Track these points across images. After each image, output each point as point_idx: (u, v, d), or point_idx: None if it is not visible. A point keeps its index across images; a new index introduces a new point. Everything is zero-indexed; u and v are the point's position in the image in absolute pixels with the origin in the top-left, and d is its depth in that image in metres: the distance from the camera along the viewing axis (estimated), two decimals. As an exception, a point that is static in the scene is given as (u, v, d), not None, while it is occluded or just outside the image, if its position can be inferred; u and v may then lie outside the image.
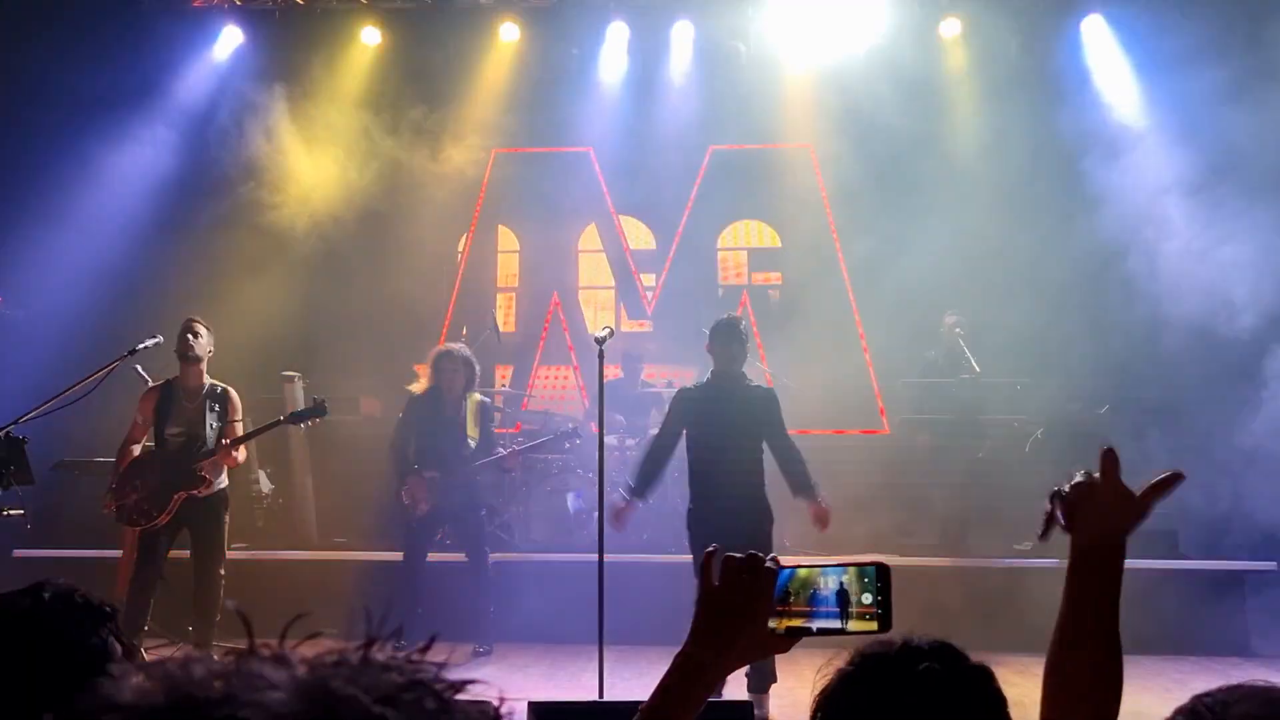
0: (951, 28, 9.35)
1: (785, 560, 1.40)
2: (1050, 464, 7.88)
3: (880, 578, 1.38)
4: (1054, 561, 7.47)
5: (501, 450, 6.98)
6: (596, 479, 5.36)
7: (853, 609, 1.37)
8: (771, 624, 1.38)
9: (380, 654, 0.59)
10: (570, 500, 7.97)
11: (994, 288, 8.73)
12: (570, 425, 7.31)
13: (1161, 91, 8.65)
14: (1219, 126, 7.93)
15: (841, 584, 1.39)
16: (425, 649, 0.60)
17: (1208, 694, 1.11)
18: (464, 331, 8.82)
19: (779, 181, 9.79)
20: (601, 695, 5.03)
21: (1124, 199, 8.43)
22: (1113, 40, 9.10)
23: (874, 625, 1.36)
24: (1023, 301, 8.48)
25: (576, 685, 5.82)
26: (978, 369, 8.06)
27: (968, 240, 8.89)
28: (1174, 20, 8.43)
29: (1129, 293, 8.09)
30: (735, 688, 5.94)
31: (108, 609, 1.57)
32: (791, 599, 1.39)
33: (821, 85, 9.44)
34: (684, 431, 5.70)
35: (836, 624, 1.37)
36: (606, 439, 6.13)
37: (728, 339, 5.70)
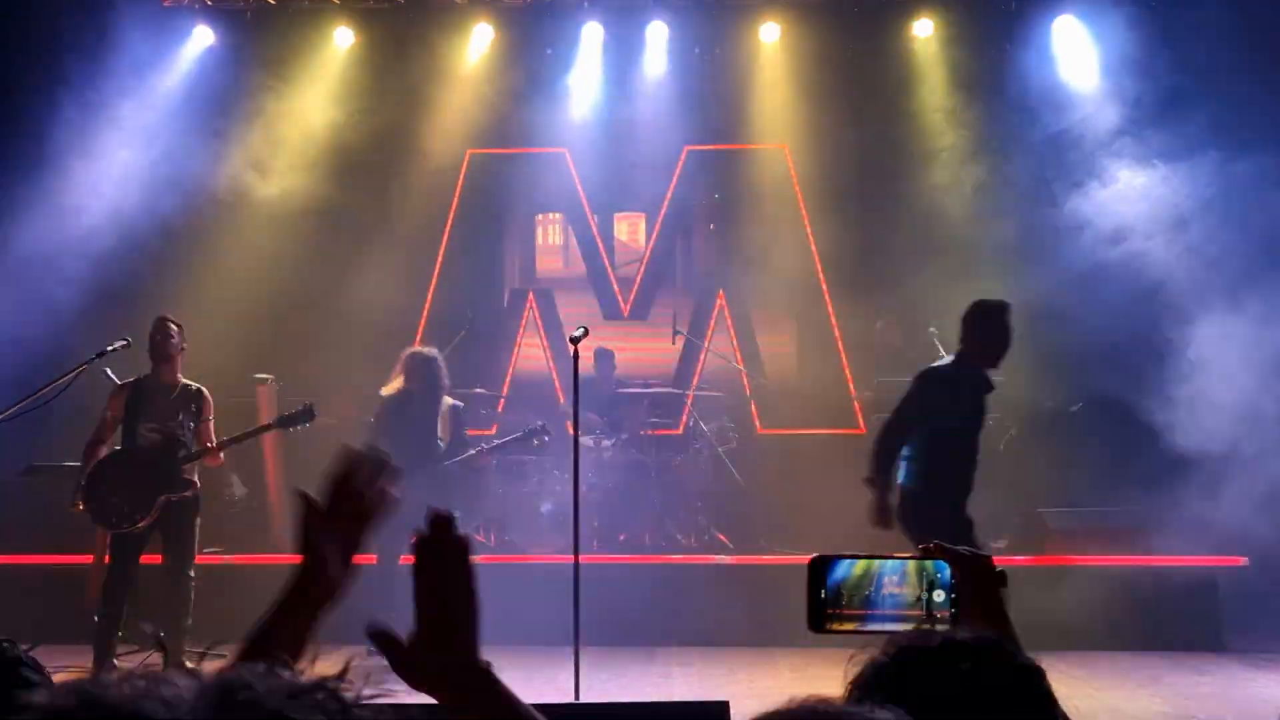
0: (924, 27, 9.39)
1: (841, 552, 1.29)
2: (1024, 461, 7.95)
3: (954, 574, 1.25)
4: (1027, 558, 7.51)
5: (471, 450, 6.94)
6: (571, 480, 5.34)
7: (918, 609, 1.25)
8: (830, 626, 1.25)
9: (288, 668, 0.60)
10: (545, 502, 7.95)
11: (968, 287, 8.75)
12: (539, 422, 7.28)
13: (1135, 90, 8.71)
14: (1201, 127, 8.01)
15: (901, 579, 1.26)
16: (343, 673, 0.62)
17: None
18: (463, 331, 8.78)
19: (754, 181, 9.80)
20: (577, 697, 5.01)
21: (1100, 200, 8.50)
22: (1086, 39, 9.15)
23: (897, 623, 1.23)
24: (998, 299, 8.52)
25: (552, 688, 5.79)
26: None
27: (941, 239, 8.94)
28: (1145, 18, 8.51)
29: (1105, 292, 8.15)
30: (715, 690, 5.94)
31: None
32: (845, 597, 1.26)
33: (796, 86, 9.46)
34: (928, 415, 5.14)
35: (894, 625, 1.23)
36: (582, 439, 6.10)
37: (1002, 323, 5.15)
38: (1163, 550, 7.47)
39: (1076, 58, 9.17)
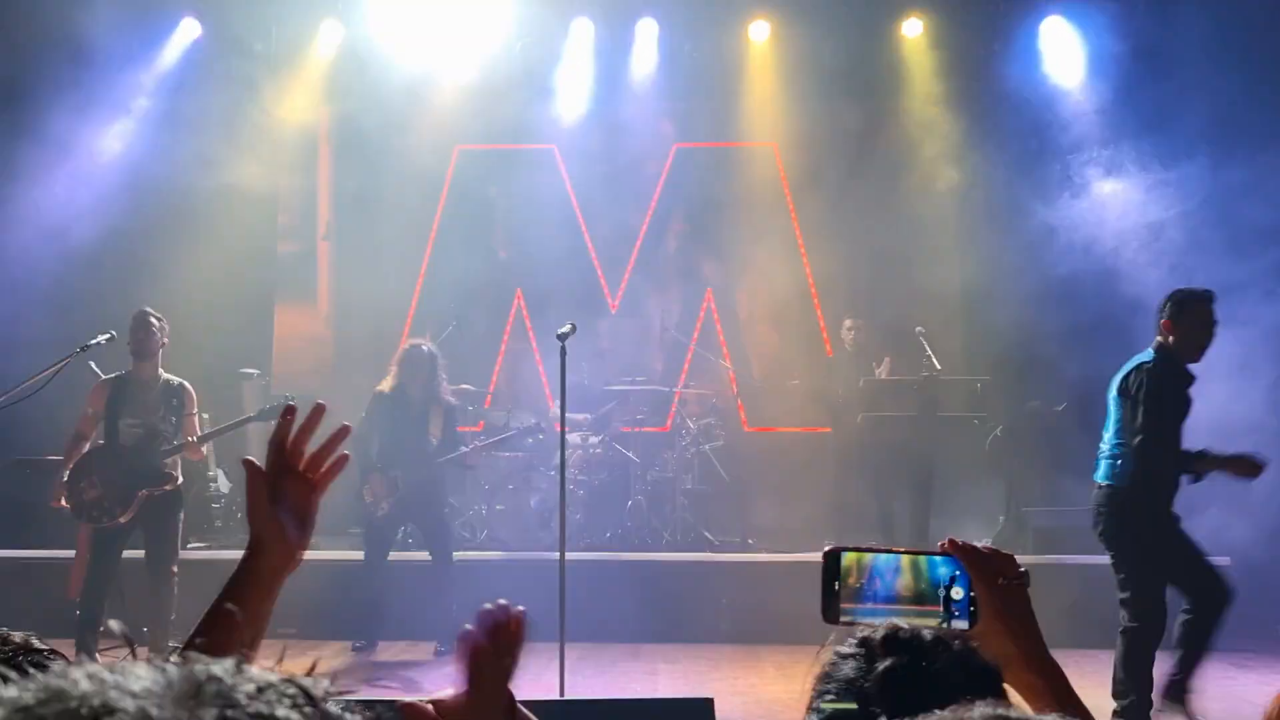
0: (914, 27, 9.39)
1: (856, 545, 1.29)
2: (1010, 460, 7.99)
3: (971, 571, 1.24)
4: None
5: (464, 448, 6.94)
6: (559, 476, 5.34)
7: (935, 605, 1.24)
8: (843, 618, 1.24)
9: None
10: (532, 499, 7.95)
11: (955, 287, 8.80)
12: (533, 421, 7.28)
13: (1124, 91, 8.74)
14: (1186, 125, 8.04)
15: (916, 574, 1.26)
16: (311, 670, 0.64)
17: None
18: (450, 327, 8.80)
19: (743, 179, 9.81)
20: (562, 693, 5.01)
21: (1087, 200, 8.54)
22: (1074, 40, 9.17)
23: (935, 624, 1.22)
24: (985, 300, 8.57)
25: (537, 684, 5.78)
26: (939, 366, 8.13)
27: (930, 240, 8.96)
28: (1133, 19, 8.54)
29: (1092, 294, 8.20)
30: (697, 686, 5.95)
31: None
32: (859, 590, 1.25)
33: (785, 84, 9.47)
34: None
35: (907, 620, 1.20)
36: (569, 436, 6.11)
37: (1205, 314, 4.89)
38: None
39: (1064, 59, 9.19)
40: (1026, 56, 9.23)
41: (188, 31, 9.35)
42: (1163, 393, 4.89)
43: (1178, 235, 8.14)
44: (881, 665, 1.09)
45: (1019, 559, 1.36)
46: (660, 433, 8.82)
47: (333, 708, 0.59)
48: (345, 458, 1.35)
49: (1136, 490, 4.95)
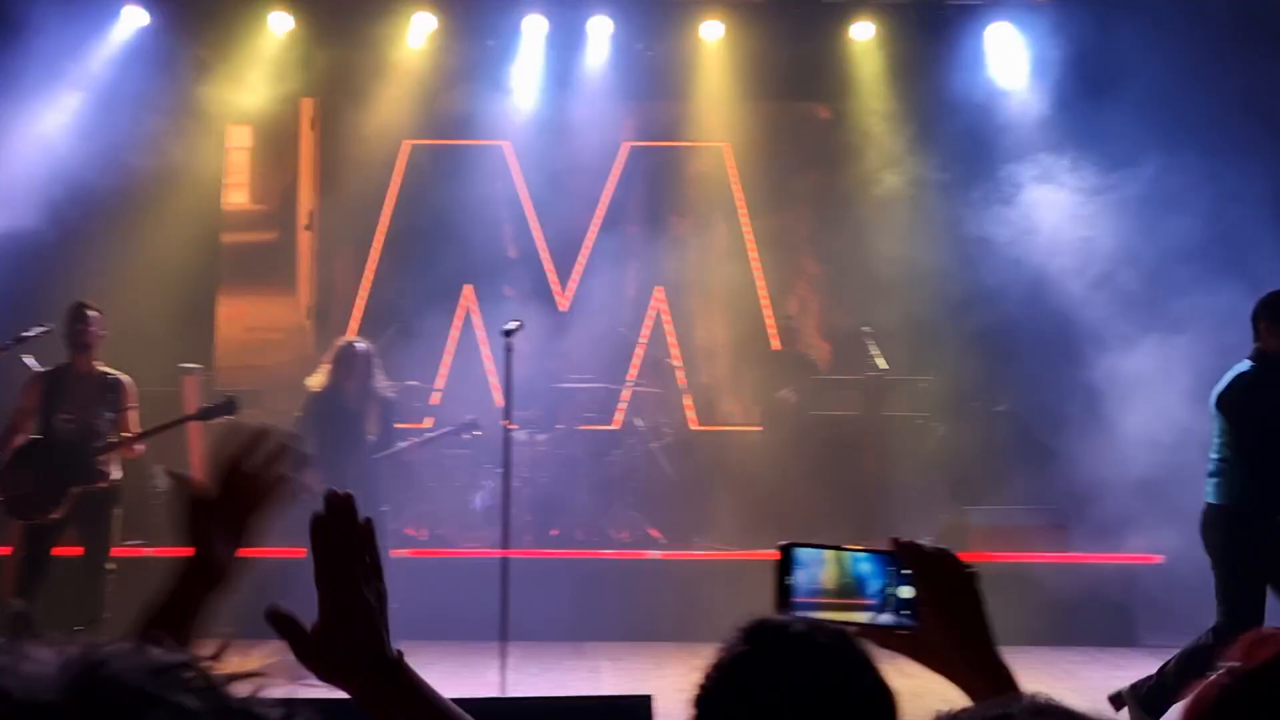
0: (864, 30, 9.44)
1: (809, 541, 1.30)
2: (950, 460, 8.11)
3: (917, 569, 1.25)
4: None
5: (401, 444, 6.87)
6: (503, 474, 5.32)
7: (884, 602, 1.25)
8: (794, 613, 1.25)
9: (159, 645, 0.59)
10: (477, 496, 7.91)
11: (901, 287, 8.90)
12: (469, 417, 7.23)
13: (1072, 99, 8.88)
14: (1131, 134, 8.19)
15: (868, 572, 1.27)
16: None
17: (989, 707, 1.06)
18: (398, 324, 8.75)
19: (694, 179, 9.84)
20: (504, 692, 5.00)
21: (1031, 206, 8.67)
22: (1021, 46, 9.28)
23: (862, 617, 1.24)
24: (930, 301, 8.68)
25: (480, 682, 5.76)
26: (884, 365, 8.23)
27: (877, 241, 9.05)
28: (1082, 27, 8.68)
29: (1034, 297, 8.33)
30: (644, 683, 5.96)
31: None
32: (811, 585, 1.26)
33: (738, 85, 9.50)
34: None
35: (857, 615, 1.24)
36: (515, 433, 6.08)
37: None
38: (1082, 548, 7.67)
39: (1012, 65, 9.28)
40: (975, 61, 9.34)
41: (131, 19, 9.15)
42: (1266, 401, 4.72)
43: (1113, 243, 8.30)
44: (732, 654, 1.13)
45: (963, 557, 1.37)
46: (608, 430, 8.82)
47: (233, 695, 0.57)
48: (294, 484, 1.29)
49: (1249, 506, 4.75)
